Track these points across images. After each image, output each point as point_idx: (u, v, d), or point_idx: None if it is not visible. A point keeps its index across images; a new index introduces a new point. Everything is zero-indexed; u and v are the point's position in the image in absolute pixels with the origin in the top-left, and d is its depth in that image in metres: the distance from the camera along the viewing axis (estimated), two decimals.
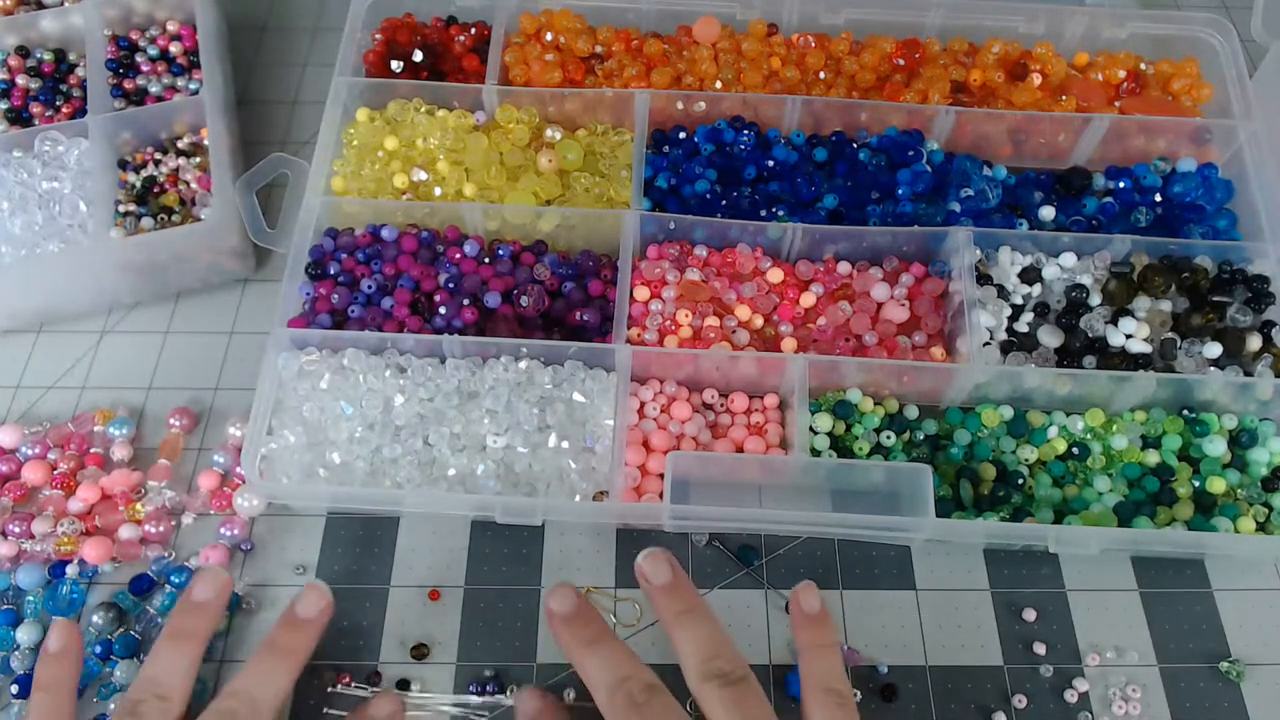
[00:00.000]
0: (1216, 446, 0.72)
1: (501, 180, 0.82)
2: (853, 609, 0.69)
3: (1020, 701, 0.65)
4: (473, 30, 0.92)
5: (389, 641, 0.68)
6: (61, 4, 0.92)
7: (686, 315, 0.76)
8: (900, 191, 0.81)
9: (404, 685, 0.66)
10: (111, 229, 0.80)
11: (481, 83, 0.87)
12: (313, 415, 0.71)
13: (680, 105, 0.86)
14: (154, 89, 0.91)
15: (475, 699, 0.65)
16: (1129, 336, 0.75)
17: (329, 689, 0.66)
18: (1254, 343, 0.74)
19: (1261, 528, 0.70)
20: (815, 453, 0.72)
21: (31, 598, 0.68)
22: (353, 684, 0.66)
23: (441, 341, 0.72)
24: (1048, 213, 0.82)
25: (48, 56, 0.92)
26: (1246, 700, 0.66)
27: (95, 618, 0.66)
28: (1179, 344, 0.75)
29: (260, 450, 0.69)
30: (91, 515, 0.72)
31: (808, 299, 0.78)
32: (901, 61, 0.89)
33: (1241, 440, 0.73)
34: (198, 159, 0.87)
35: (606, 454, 0.70)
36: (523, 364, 0.73)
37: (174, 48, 0.93)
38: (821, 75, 0.89)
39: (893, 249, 0.80)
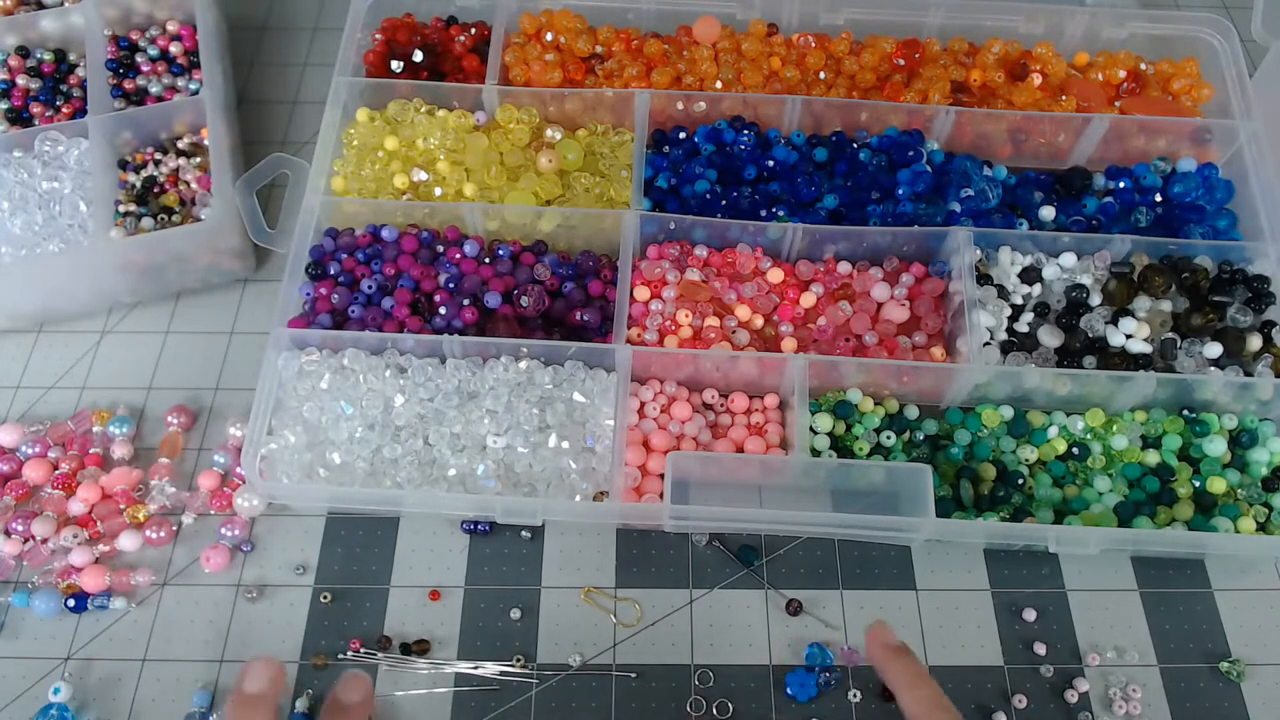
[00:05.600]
0: (1216, 446, 0.72)
1: (501, 180, 0.82)
2: (853, 609, 0.69)
3: (1020, 701, 0.65)
4: (473, 30, 0.92)
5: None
6: (61, 4, 0.92)
7: (686, 315, 0.76)
8: (900, 191, 0.81)
9: (407, 651, 0.66)
10: (111, 229, 0.80)
11: (481, 83, 0.87)
12: (313, 415, 0.71)
13: (680, 105, 0.86)
14: (154, 89, 0.91)
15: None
16: (1129, 336, 0.75)
17: (339, 655, 0.67)
18: (1254, 343, 0.74)
19: (1262, 528, 0.70)
20: (815, 453, 0.72)
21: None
22: (362, 649, 0.67)
23: (441, 341, 0.72)
24: (1048, 213, 0.82)
25: (48, 56, 0.92)
26: (1246, 700, 0.66)
27: None
28: (1179, 344, 0.75)
29: (260, 450, 0.69)
30: (92, 517, 0.72)
31: (808, 299, 0.78)
32: (901, 61, 0.89)
33: (1241, 440, 0.73)
34: (198, 159, 0.87)
35: (606, 454, 0.70)
36: (523, 364, 0.73)
37: (174, 48, 0.93)
38: (821, 75, 0.89)
39: (893, 249, 0.80)
